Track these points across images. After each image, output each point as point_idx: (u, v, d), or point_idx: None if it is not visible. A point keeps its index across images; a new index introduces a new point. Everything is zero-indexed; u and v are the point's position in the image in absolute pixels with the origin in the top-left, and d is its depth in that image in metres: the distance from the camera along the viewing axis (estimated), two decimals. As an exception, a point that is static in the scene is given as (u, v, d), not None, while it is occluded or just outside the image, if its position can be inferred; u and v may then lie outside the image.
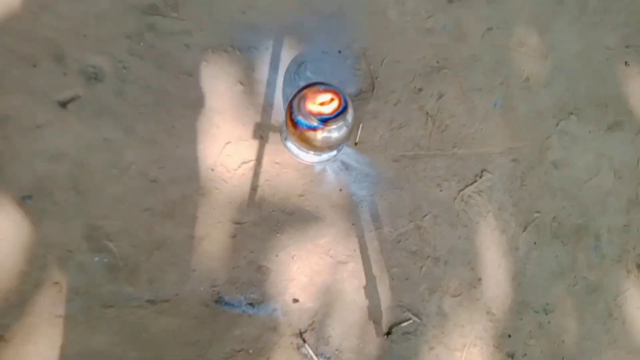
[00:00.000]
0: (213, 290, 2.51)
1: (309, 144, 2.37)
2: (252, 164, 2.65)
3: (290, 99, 2.36)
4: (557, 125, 2.87)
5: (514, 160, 2.98)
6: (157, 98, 2.55)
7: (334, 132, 2.35)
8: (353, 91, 2.81)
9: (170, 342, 2.30)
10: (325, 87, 2.28)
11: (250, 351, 2.46)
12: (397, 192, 2.89)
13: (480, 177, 2.95)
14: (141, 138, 2.49)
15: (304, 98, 2.27)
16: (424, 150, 2.94)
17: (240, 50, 2.75)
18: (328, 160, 2.70)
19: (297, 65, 2.76)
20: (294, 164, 2.69)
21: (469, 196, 2.91)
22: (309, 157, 2.60)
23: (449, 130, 2.99)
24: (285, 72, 2.74)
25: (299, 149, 2.53)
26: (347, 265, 2.70)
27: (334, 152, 2.69)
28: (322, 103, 2.27)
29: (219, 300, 2.44)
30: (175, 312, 2.41)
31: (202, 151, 2.60)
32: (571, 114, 2.94)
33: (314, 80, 2.34)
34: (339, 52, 2.81)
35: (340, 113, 2.30)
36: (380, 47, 2.91)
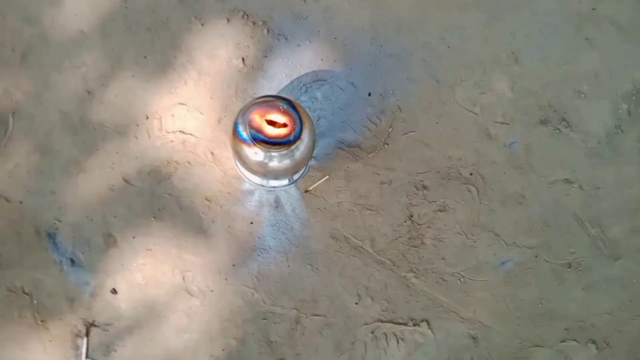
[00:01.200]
0: (55, 222, 2.10)
1: (240, 159, 1.95)
2: (189, 139, 2.20)
3: (251, 100, 1.96)
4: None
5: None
6: (156, 24, 2.27)
7: (273, 159, 1.90)
8: (351, 140, 2.23)
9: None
10: (289, 109, 1.87)
11: (35, 302, 1.88)
12: (307, 271, 2.17)
13: (414, 326, 1.94)
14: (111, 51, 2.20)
15: (256, 105, 1.87)
16: (374, 250, 2.16)
17: (269, 31, 2.33)
18: (262, 186, 2.15)
19: (313, 79, 2.28)
20: (227, 167, 2.17)
21: (382, 333, 1.92)
22: (246, 173, 2.11)
23: (422, 251, 2.18)
24: (296, 78, 2.28)
25: (236, 160, 2.06)
26: (190, 301, 2.10)
27: (272, 182, 2.16)
28: (271, 121, 1.85)
29: (50, 235, 1.92)
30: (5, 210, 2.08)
31: (155, 93, 2.24)
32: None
33: (286, 98, 1.95)
34: (369, 94, 2.29)
35: (281, 142, 1.88)
36: (415, 118, 2.29)
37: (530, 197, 2.17)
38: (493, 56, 2.28)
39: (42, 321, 1.93)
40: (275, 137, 1.84)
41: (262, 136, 1.83)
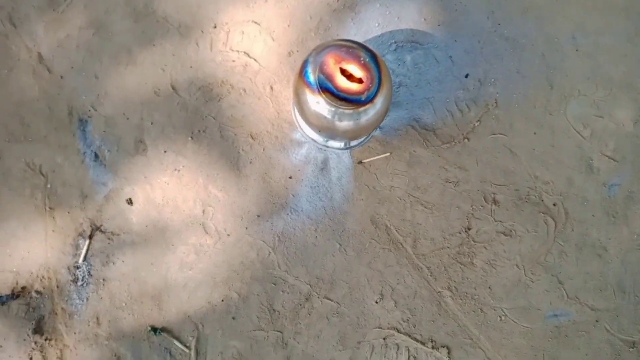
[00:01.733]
0: (90, 109, 1.92)
1: (299, 103, 1.62)
2: (251, 64, 1.91)
3: (330, 41, 1.64)
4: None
5: None
6: None
7: (334, 115, 1.58)
8: (428, 121, 1.90)
9: None
10: (371, 63, 1.55)
11: (49, 186, 1.64)
12: (334, 249, 1.85)
13: (432, 349, 1.79)
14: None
15: (334, 47, 1.56)
16: (414, 252, 1.86)
17: None
18: (314, 141, 1.85)
19: (408, 39, 1.93)
20: (283, 108, 1.88)
21: (395, 343, 1.71)
22: (301, 121, 1.78)
23: (469, 271, 1.89)
24: (389, 31, 1.94)
25: (294, 103, 1.71)
26: (204, 238, 1.84)
27: (326, 141, 1.83)
28: (346, 72, 1.54)
29: (82, 121, 1.67)
30: (45, 81, 1.88)
31: (231, 1, 1.94)
32: None
33: (371, 50, 1.61)
34: (466, 75, 1.95)
35: (350, 99, 1.55)
36: (511, 119, 1.93)
37: (614, 252, 1.72)
38: (626, 77, 1.79)
39: (50, 208, 1.69)
40: (345, 91, 1.52)
41: (330, 85, 1.51)
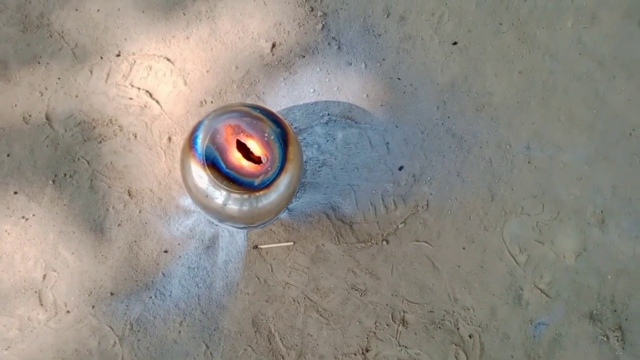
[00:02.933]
0: None
1: (184, 172, 1.10)
2: (152, 107, 1.34)
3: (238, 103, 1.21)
4: None
5: None
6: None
7: (224, 198, 1.05)
8: (346, 213, 1.36)
9: None
10: (276, 143, 1.04)
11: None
12: (197, 352, 1.25)
13: None
14: None
15: (235, 116, 1.05)
16: None
17: (324, 27, 1.43)
18: (207, 219, 1.28)
19: (344, 114, 1.40)
20: (177, 167, 1.22)
21: None
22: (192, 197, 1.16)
23: None
24: (324, 101, 1.39)
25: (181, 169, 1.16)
26: (36, 311, 1.25)
27: (224, 224, 1.23)
28: (243, 146, 1.03)
29: None
30: None
31: (145, 30, 1.36)
32: None
33: (283, 124, 1.10)
34: (400, 168, 1.44)
35: (240, 181, 1.02)
36: (440, 227, 1.39)
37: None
38: (576, 202, 1.42)
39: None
40: (235, 170, 1.05)
41: (219, 160, 1.05)
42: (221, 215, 1.10)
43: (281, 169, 1.05)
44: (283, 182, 1.07)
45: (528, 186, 1.43)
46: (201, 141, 1.05)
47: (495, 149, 1.44)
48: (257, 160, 1.06)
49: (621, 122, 1.47)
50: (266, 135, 1.05)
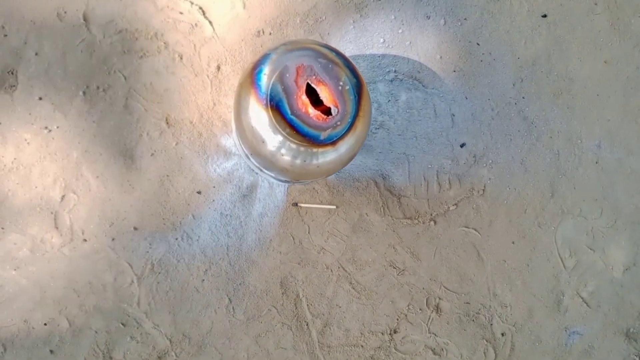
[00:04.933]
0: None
1: (239, 109, 0.94)
2: (204, 26, 1.17)
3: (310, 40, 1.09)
4: None
5: None
6: None
7: (280, 147, 0.92)
8: (397, 184, 1.24)
9: None
10: (351, 94, 0.90)
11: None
12: (219, 304, 1.17)
13: None
14: None
15: (308, 55, 0.91)
16: (319, 340, 1.19)
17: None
18: (248, 165, 1.12)
19: (412, 73, 1.24)
20: (224, 99, 1.17)
21: None
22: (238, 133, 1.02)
23: None
24: (393, 55, 1.22)
25: (235, 103, 0.98)
26: (50, 233, 1.13)
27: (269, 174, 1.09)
28: (312, 92, 0.90)
29: None
30: None
31: None
32: None
33: (358, 74, 0.97)
34: (462, 145, 1.30)
35: (304, 133, 0.89)
36: (493, 216, 1.28)
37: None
38: (635, 213, 1.37)
39: None
40: (301, 119, 0.90)
41: (285, 103, 0.90)
42: (269, 163, 0.98)
43: (351, 125, 0.92)
44: (348, 142, 0.94)
45: (591, 187, 1.33)
46: (266, 78, 0.91)
47: (565, 142, 1.33)
48: (325, 110, 0.92)
49: (701, 136, 1.36)
50: (341, 83, 0.92)
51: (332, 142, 0.94)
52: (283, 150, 0.94)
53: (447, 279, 1.25)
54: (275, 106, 0.91)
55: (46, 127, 1.10)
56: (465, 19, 1.30)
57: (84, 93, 1.12)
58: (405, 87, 1.27)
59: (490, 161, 1.29)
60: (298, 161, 0.96)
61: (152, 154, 1.13)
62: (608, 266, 1.34)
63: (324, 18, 1.23)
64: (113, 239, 1.11)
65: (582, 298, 1.32)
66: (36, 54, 1.10)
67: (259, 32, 1.19)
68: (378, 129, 1.26)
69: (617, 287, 1.34)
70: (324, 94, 0.93)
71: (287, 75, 0.92)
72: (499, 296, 1.28)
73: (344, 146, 0.96)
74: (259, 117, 0.93)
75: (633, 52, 1.38)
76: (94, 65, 1.12)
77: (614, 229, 1.34)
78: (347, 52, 1.24)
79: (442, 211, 1.26)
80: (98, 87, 1.12)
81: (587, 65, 1.36)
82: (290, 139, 0.92)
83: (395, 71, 1.26)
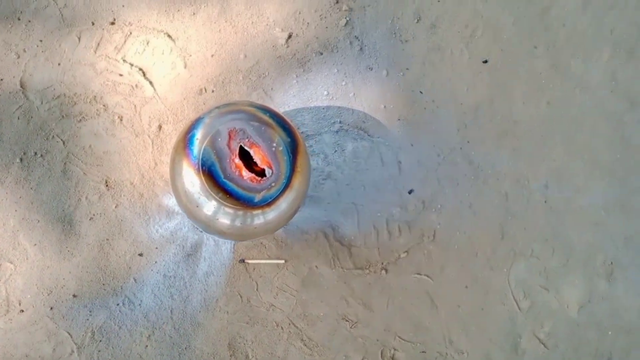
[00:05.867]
0: None
1: (173, 173, 0.93)
2: (144, 87, 1.16)
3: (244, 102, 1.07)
4: None
5: None
6: None
7: (216, 211, 0.90)
8: (346, 234, 1.21)
9: None
10: (285, 154, 0.89)
11: None
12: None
13: None
14: None
15: (241, 118, 0.89)
16: None
17: (347, 24, 1.25)
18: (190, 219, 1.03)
19: (357, 124, 1.24)
20: (165, 159, 1.04)
21: None
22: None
23: None
24: (337, 107, 1.22)
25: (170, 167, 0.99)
26: None
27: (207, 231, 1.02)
28: (246, 154, 0.89)
29: None
30: None
31: None
32: None
33: (294, 133, 0.94)
34: (410, 191, 1.28)
35: (238, 195, 0.86)
36: (443, 261, 1.25)
37: None
38: (588, 249, 1.35)
39: None
40: (234, 183, 0.89)
41: (217, 167, 0.88)
42: (209, 227, 0.96)
43: (286, 185, 0.90)
44: (286, 200, 0.92)
45: (541, 227, 1.32)
46: (199, 142, 0.89)
47: (513, 183, 1.32)
48: (259, 172, 0.90)
49: (645, 171, 1.36)
50: (274, 145, 0.90)
51: (267, 203, 0.91)
52: (219, 215, 0.92)
53: (401, 329, 1.21)
54: (208, 170, 0.89)
55: (-19, 196, 1.06)
56: (407, 68, 1.30)
57: (21, 160, 1.09)
58: (351, 137, 1.26)
59: (439, 206, 1.28)
60: (236, 223, 0.94)
61: (91, 218, 1.09)
62: (563, 305, 1.31)
63: (267, 74, 1.23)
64: (51, 308, 1.06)
65: (539, 339, 1.29)
66: (-30, 122, 1.07)
67: (201, 90, 1.18)
68: (325, 179, 1.24)
69: (574, 325, 1.31)
70: (258, 156, 0.92)
71: (220, 139, 0.90)
72: (455, 343, 1.24)
73: (283, 204, 0.94)
74: (192, 181, 0.90)
75: (574, 92, 1.40)
76: (32, 131, 1.09)
77: (566, 267, 1.33)
78: (291, 105, 1.24)
79: (393, 259, 1.23)
80: (36, 153, 1.09)
81: (531, 107, 1.37)
82: (225, 203, 0.90)
83: (340, 122, 1.26)
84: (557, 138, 1.37)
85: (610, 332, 1.33)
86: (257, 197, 0.90)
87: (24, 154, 1.08)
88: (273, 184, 0.90)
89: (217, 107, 0.96)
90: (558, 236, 1.33)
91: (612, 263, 1.35)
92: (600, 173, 1.37)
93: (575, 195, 1.35)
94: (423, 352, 1.22)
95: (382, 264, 1.22)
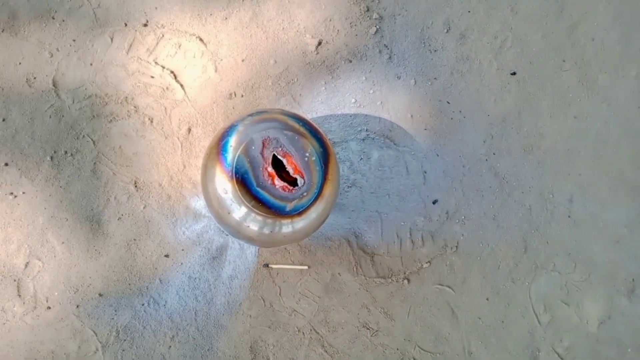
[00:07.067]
0: None
1: (204, 176, 0.90)
2: (175, 90, 1.13)
3: (278, 110, 0.95)
4: None
5: None
6: None
7: (246, 216, 0.86)
8: (369, 242, 1.18)
9: None
10: (318, 163, 0.86)
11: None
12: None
13: None
14: None
15: (275, 128, 0.86)
16: None
17: (377, 32, 1.23)
18: (218, 227, 1.01)
19: (384, 132, 1.20)
20: (194, 162, 1.11)
21: None
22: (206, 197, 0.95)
23: None
24: (364, 115, 1.18)
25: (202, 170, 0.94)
26: (12, 302, 1.04)
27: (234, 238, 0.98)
28: (279, 164, 0.86)
29: None
30: None
31: (182, 1, 1.14)
32: None
33: (325, 143, 0.96)
34: (434, 202, 1.24)
35: (270, 204, 0.83)
36: (466, 272, 1.21)
37: None
38: (610, 266, 1.30)
39: None
40: (267, 191, 0.85)
41: (250, 176, 0.85)
42: (238, 233, 0.92)
43: (318, 195, 0.86)
44: (316, 210, 0.88)
45: (564, 242, 1.27)
46: (233, 149, 0.86)
47: (537, 197, 1.27)
48: (291, 181, 0.87)
49: (670, 189, 1.31)
50: (307, 155, 0.87)
51: (298, 212, 0.88)
52: (249, 221, 0.89)
53: (421, 339, 1.18)
54: (241, 178, 0.86)
55: (12, 193, 1.04)
56: (435, 78, 1.26)
57: (52, 158, 1.06)
58: (377, 146, 1.22)
59: (463, 217, 1.23)
60: (265, 231, 0.90)
61: (119, 218, 1.06)
62: (583, 320, 1.27)
63: (295, 80, 1.19)
64: (78, 306, 1.04)
65: (557, 354, 1.24)
66: (3, 119, 1.05)
67: (230, 94, 1.15)
68: (350, 187, 1.20)
69: (593, 341, 1.26)
70: (290, 165, 0.88)
71: (253, 147, 0.87)
72: (474, 354, 1.20)
73: (313, 214, 0.91)
74: (225, 188, 0.87)
75: (601, 107, 1.34)
76: (63, 130, 1.07)
77: (588, 282, 1.28)
78: (319, 112, 1.20)
79: (415, 269, 1.19)
80: (66, 152, 1.07)
81: (557, 121, 1.32)
82: (256, 211, 0.86)
83: (367, 130, 1.22)
84: (583, 153, 1.32)
85: (630, 350, 1.27)
86: (289, 207, 0.86)
87: (55, 152, 1.06)
88: (305, 194, 0.87)
89: (251, 115, 0.92)
90: (580, 251, 1.28)
91: (633, 280, 1.30)
92: (624, 189, 1.32)
93: (599, 211, 1.30)
94: (442, 363, 1.18)
95: (405, 273, 1.18)
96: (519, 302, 1.23)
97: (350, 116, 1.21)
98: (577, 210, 1.29)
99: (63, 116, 1.07)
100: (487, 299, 1.22)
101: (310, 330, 1.12)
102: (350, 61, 1.22)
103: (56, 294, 1.03)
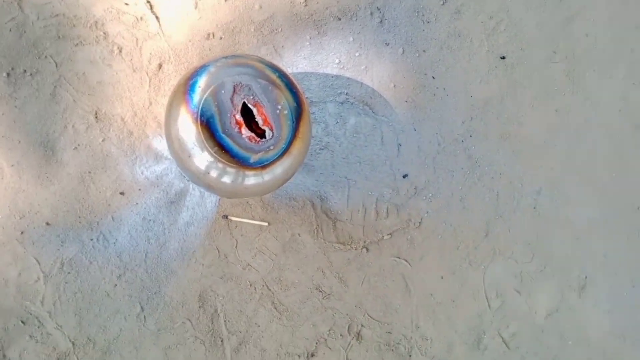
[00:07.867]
0: None
1: (168, 115, 0.82)
2: (150, 22, 1.03)
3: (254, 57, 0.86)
4: None
5: None
6: None
7: (211, 166, 0.80)
8: (333, 207, 1.12)
9: None
10: (290, 117, 0.80)
11: None
12: (131, 312, 1.02)
13: None
14: None
15: (249, 74, 0.78)
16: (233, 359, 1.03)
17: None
18: (178, 167, 0.90)
19: (363, 98, 1.13)
20: (161, 100, 1.00)
21: None
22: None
23: None
24: (346, 78, 1.11)
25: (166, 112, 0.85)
26: None
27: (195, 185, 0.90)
28: (249, 112, 0.78)
29: None
30: None
31: None
32: None
33: (300, 97, 0.84)
34: (405, 176, 1.19)
35: (235, 154, 0.77)
36: (425, 249, 1.19)
37: None
38: (566, 262, 1.30)
39: None
40: (232, 139, 0.79)
41: (216, 121, 0.78)
42: (198, 179, 0.87)
43: (285, 151, 0.81)
44: (282, 166, 0.83)
45: (525, 232, 1.26)
46: (201, 90, 0.79)
47: (507, 185, 1.25)
48: (259, 133, 0.81)
49: (634, 195, 1.30)
50: (279, 107, 0.81)
51: (262, 165, 0.83)
52: (209, 168, 0.83)
53: (371, 307, 1.16)
54: (206, 122, 0.80)
55: (-39, 106, 0.95)
56: (424, 50, 1.20)
57: (8, 75, 0.97)
58: (355, 111, 1.16)
59: (431, 195, 1.20)
60: (226, 180, 0.85)
61: (76, 148, 0.99)
62: (532, 310, 1.27)
63: (279, 30, 1.11)
64: (22, 232, 0.97)
65: (502, 338, 1.25)
66: (-41, 26, 0.95)
67: (209, 34, 1.06)
68: (322, 149, 1.15)
69: (538, 331, 1.27)
70: (260, 116, 0.82)
71: (223, 91, 0.80)
72: (421, 328, 1.19)
73: (278, 169, 0.86)
74: (188, 130, 0.81)
75: (584, 104, 1.31)
76: (23, 47, 0.97)
77: (542, 274, 1.27)
78: (300, 68, 1.13)
79: (376, 239, 1.16)
80: (25, 71, 0.98)
81: (538, 112, 1.28)
82: (219, 157, 0.80)
83: (347, 94, 1.16)
84: (558, 147, 1.29)
85: (570, 342, 1.29)
86: (254, 158, 0.81)
87: (12, 69, 0.97)
88: (272, 147, 0.81)
89: (225, 57, 0.85)
90: (540, 243, 1.27)
91: (586, 278, 1.30)
92: (592, 189, 1.30)
93: (564, 207, 1.29)
94: (389, 332, 1.17)
95: (364, 242, 1.15)
96: (473, 285, 1.22)
97: (332, 77, 1.15)
98: (543, 202, 1.27)
99: (25, 32, 0.97)
100: (442, 277, 1.20)
101: (263, 286, 1.09)
102: (340, 19, 1.14)
103: (0, 217, 0.96)
